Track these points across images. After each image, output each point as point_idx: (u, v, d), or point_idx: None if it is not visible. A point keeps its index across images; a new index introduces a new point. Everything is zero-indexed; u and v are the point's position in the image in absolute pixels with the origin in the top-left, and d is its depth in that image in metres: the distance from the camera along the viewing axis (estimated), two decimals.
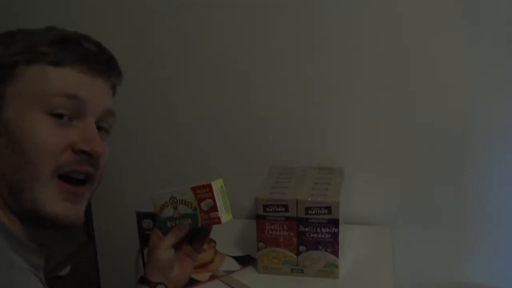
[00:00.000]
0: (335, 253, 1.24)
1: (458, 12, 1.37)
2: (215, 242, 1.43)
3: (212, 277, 1.28)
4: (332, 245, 1.24)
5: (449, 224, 1.50)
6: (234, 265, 1.33)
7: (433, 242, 1.53)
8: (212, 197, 0.94)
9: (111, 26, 1.56)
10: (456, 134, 1.45)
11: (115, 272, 1.78)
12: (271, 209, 1.24)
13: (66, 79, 0.76)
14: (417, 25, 1.40)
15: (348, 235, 1.40)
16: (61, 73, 0.76)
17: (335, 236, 1.23)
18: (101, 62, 0.81)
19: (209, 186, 0.94)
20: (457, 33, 1.38)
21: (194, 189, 0.95)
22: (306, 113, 1.51)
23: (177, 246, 0.99)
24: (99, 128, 0.81)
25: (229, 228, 1.51)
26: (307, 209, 1.22)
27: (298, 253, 1.26)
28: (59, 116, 0.75)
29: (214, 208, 0.94)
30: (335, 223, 1.22)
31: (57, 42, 0.77)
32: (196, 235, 1.00)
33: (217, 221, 0.94)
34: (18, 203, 0.74)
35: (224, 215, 0.95)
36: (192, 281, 1.25)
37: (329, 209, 1.21)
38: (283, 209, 1.23)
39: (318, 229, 1.23)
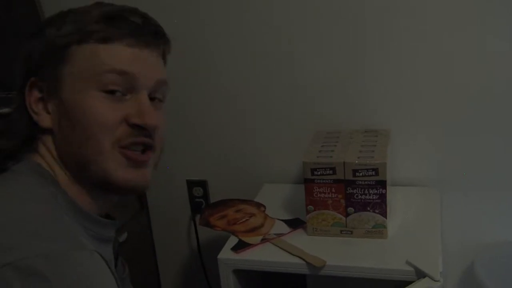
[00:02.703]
0: (383, 214, 1.26)
1: None
2: (264, 207, 1.46)
3: (264, 240, 1.31)
4: (380, 206, 1.25)
5: (499, 186, 1.48)
6: (284, 228, 1.36)
7: (483, 204, 1.51)
8: None
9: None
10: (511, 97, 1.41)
11: (169, 238, 1.85)
12: (319, 173, 1.26)
13: (116, 56, 0.79)
14: None
15: (396, 197, 1.41)
16: (110, 50, 0.79)
17: (383, 197, 1.24)
18: (148, 33, 0.83)
19: None
20: None
21: None
22: (349, 76, 1.50)
23: None
24: (153, 99, 0.84)
25: (277, 193, 1.56)
26: (354, 171, 1.23)
27: (346, 214, 1.28)
28: (112, 92, 0.78)
29: None
30: (382, 184, 1.23)
31: (105, 18, 0.80)
32: None
33: None
34: (87, 175, 0.79)
35: None
36: (245, 244, 1.29)
37: (376, 170, 1.22)
38: (331, 172, 1.25)
39: (366, 191, 1.24)
